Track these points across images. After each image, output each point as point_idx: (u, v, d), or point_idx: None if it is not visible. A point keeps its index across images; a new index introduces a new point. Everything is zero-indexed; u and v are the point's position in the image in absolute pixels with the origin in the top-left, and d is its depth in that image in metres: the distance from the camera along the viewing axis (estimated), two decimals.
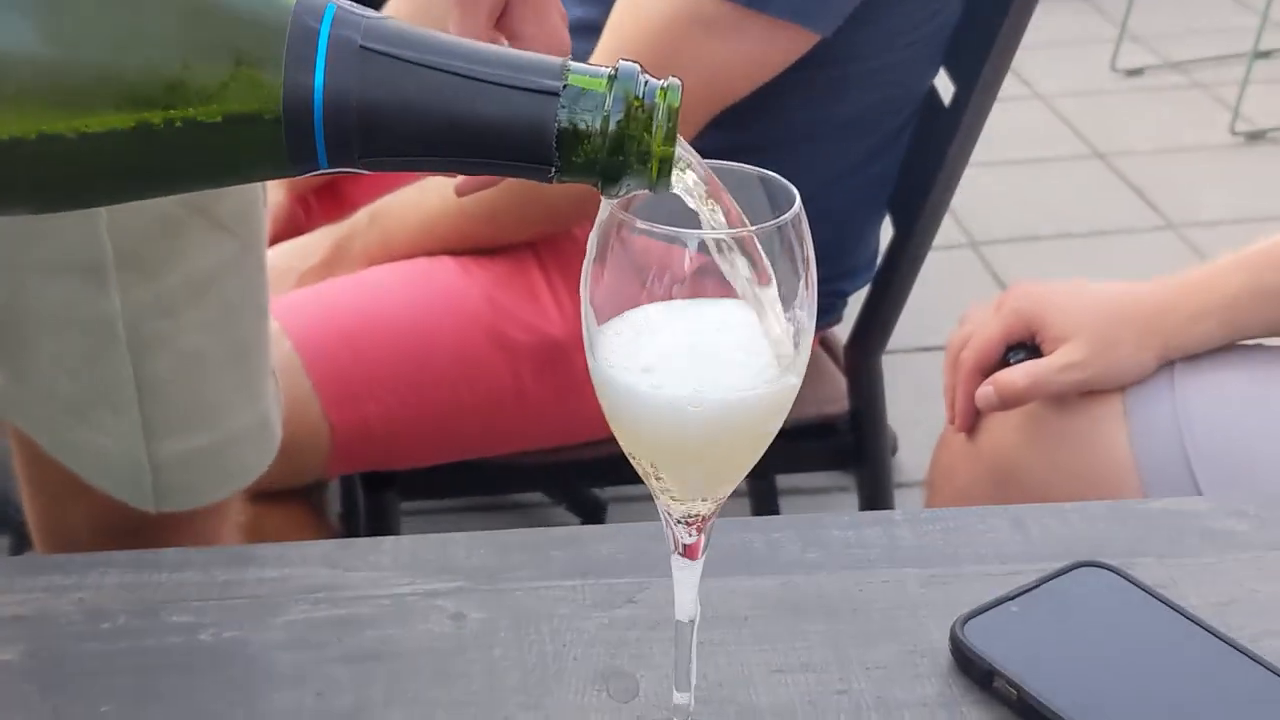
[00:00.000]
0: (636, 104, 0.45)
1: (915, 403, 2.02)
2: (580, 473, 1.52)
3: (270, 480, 1.01)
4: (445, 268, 1.35)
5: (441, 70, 0.45)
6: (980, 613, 0.67)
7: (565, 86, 0.45)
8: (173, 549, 0.74)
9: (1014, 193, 2.93)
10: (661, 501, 0.54)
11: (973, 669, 0.65)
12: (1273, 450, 1.00)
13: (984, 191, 2.70)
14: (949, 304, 1.99)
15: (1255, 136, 3.18)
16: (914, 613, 0.70)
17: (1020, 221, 2.84)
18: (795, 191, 0.50)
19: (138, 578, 0.72)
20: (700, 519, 0.55)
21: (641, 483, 0.55)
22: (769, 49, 1.22)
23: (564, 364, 1.34)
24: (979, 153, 1.37)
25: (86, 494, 0.90)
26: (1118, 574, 0.69)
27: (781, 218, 0.49)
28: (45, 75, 0.44)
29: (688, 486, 0.54)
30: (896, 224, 1.42)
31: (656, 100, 0.46)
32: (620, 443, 0.53)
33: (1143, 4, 3.58)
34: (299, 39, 0.44)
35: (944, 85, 1.38)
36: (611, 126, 0.45)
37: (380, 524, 1.39)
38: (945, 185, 1.36)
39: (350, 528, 1.50)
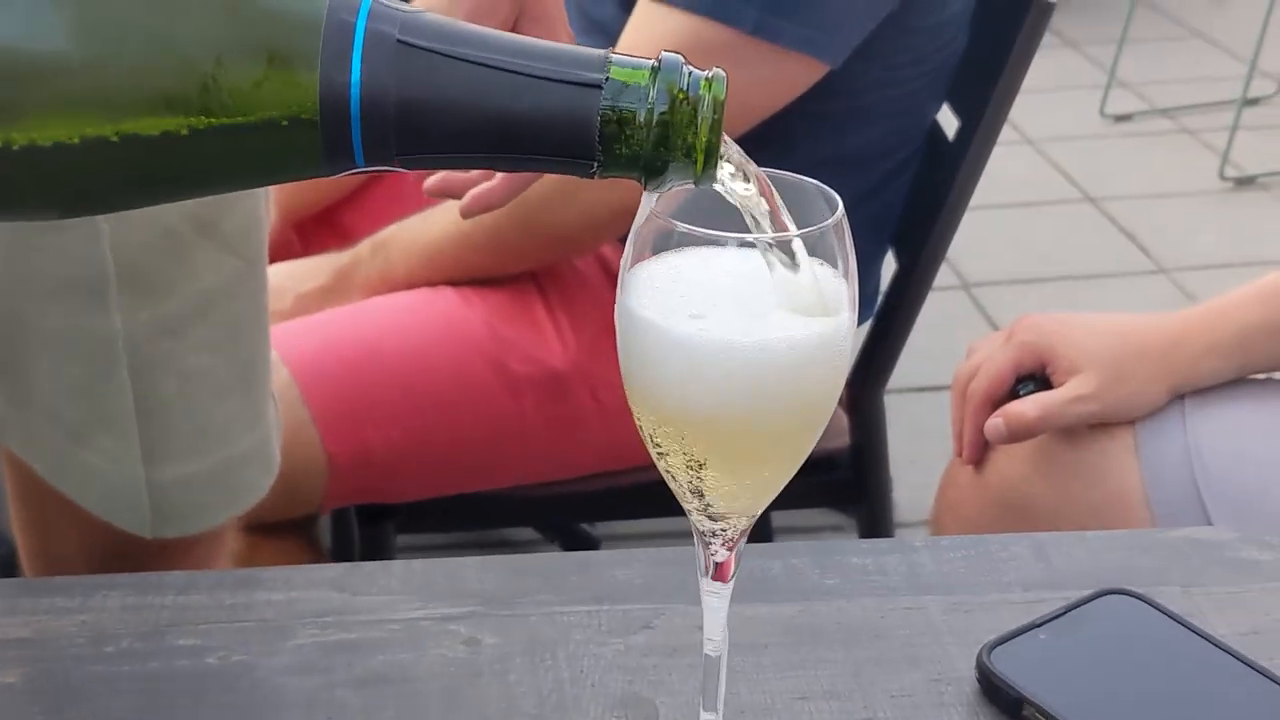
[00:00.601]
0: (681, 96, 0.44)
1: (910, 443, 2.01)
2: (579, 507, 1.50)
3: (266, 511, 1.00)
4: (446, 297, 1.34)
5: (481, 64, 0.44)
6: (1007, 640, 0.66)
7: (608, 79, 0.44)
8: (178, 572, 0.73)
9: (1006, 236, 2.94)
10: (695, 517, 0.53)
11: (1000, 697, 0.63)
12: None
13: (976, 234, 2.69)
14: (942, 345, 1.99)
15: (1244, 182, 3.19)
16: (938, 640, 0.68)
17: (1013, 264, 2.84)
18: (838, 197, 0.49)
19: (142, 600, 0.70)
20: (736, 534, 0.53)
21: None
22: (780, 79, 1.21)
23: (565, 396, 1.33)
24: (972, 196, 1.37)
25: (81, 521, 0.88)
26: (1145, 602, 0.68)
27: (825, 222, 0.48)
28: (80, 78, 0.43)
29: (731, 476, 0.51)
30: (900, 258, 1.42)
31: (701, 92, 0.45)
32: (659, 434, 0.50)
33: (1131, 51, 3.61)
34: (334, 34, 0.43)
35: (946, 120, 1.38)
36: (655, 119, 0.44)
37: (376, 557, 1.38)
38: (949, 219, 1.35)
39: (344, 561, 1.47)
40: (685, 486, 0.51)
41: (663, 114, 0.44)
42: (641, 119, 0.44)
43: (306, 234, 1.55)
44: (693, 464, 0.50)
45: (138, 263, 0.81)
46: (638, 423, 0.51)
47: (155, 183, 0.45)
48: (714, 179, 0.46)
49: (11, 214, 0.49)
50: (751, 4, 1.17)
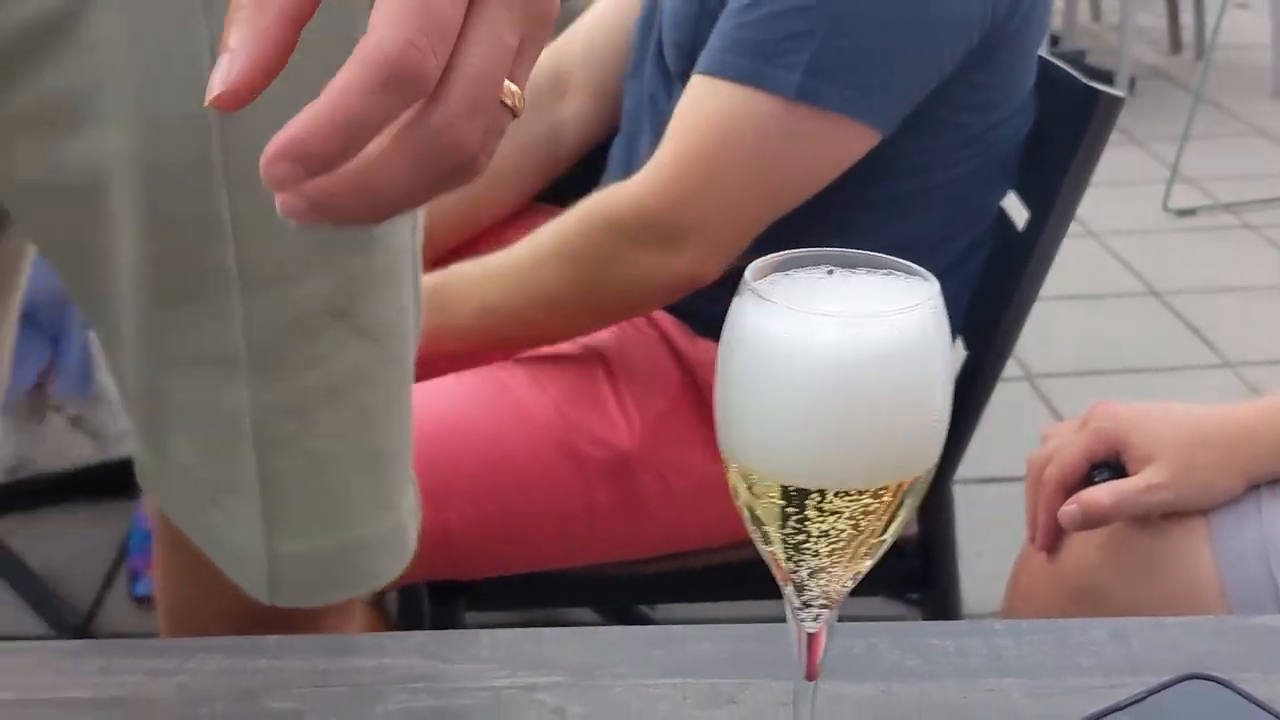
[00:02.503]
0: None
1: (974, 534, 2.01)
2: (646, 588, 1.51)
3: None
4: (517, 379, 1.36)
5: None
6: None
7: None
8: (273, 636, 0.74)
9: (1070, 327, 2.94)
10: (789, 589, 0.54)
11: None
12: None
13: (1040, 325, 2.69)
14: (1006, 436, 1.99)
15: None
16: None
17: (1077, 356, 2.84)
18: (933, 277, 0.51)
19: (236, 663, 0.72)
20: (829, 599, 0.54)
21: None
22: (829, 147, 1.22)
23: (632, 478, 1.34)
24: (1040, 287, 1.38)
25: (218, 581, 0.90)
26: (1228, 687, 0.68)
27: (922, 300, 0.49)
28: None
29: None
30: (969, 347, 1.43)
31: None
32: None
33: (1193, 147, 3.62)
34: None
35: (1016, 211, 1.40)
36: None
37: None
38: (1018, 310, 1.36)
39: None
40: (778, 552, 0.53)
41: None
42: None
43: None
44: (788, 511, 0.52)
45: (268, 344, 0.83)
46: (733, 487, 0.53)
47: None
48: None
49: None
50: (794, 70, 1.18)
